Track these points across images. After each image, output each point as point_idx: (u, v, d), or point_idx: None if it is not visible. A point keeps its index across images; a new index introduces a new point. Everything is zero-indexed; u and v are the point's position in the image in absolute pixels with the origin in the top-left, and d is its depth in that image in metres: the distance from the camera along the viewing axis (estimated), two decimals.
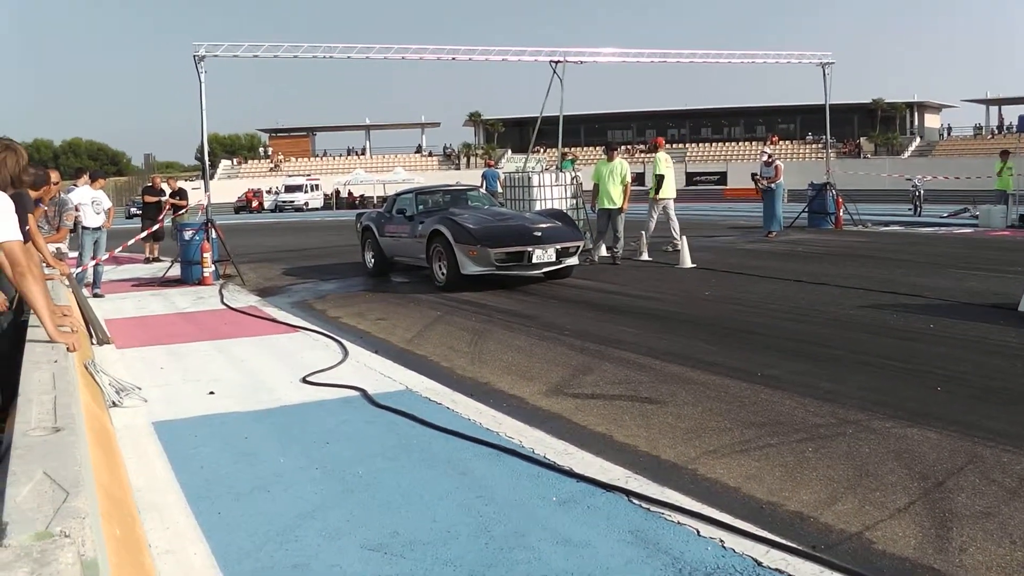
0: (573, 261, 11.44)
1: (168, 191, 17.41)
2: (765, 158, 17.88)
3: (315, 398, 5.82)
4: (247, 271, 13.44)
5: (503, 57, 16.94)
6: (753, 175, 18.09)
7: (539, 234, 10.92)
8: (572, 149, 47.27)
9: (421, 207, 12.44)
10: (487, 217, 11.48)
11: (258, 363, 7.06)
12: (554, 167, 17.48)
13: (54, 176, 8.01)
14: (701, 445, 4.62)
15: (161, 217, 16.68)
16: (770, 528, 3.47)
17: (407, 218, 12.22)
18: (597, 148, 53.60)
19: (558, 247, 10.93)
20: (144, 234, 15.75)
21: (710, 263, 12.71)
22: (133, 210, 37.42)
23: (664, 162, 14.69)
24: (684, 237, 13.27)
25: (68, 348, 3.85)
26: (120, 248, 13.69)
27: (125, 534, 2.63)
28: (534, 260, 10.75)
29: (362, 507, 3.83)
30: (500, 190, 17.50)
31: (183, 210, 17.19)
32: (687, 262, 12.52)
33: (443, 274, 10.96)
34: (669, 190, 14.71)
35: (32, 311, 4.09)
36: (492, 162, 25.74)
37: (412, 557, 3.29)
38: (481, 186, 17.57)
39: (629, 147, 59.61)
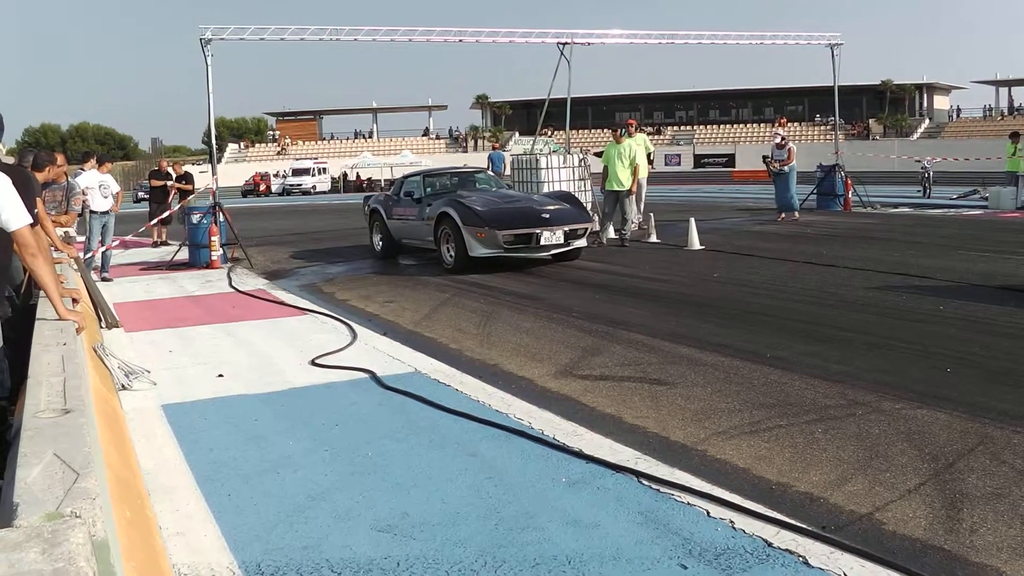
0: (581, 243, 11.42)
1: (174, 175, 17.38)
2: (778, 140, 17.31)
3: (324, 380, 5.82)
4: (255, 254, 13.44)
5: (510, 39, 16.85)
6: (765, 157, 17.76)
7: (547, 216, 10.89)
8: (578, 131, 46.98)
9: (429, 189, 12.41)
10: (495, 199, 11.45)
11: (267, 346, 7.08)
12: (561, 148, 17.40)
13: (60, 159, 8.01)
14: (710, 426, 4.61)
15: (170, 202, 16.67)
16: (780, 509, 3.47)
17: (415, 201, 12.20)
18: (604, 131, 53.16)
19: (566, 229, 10.90)
20: (154, 221, 15.79)
21: (718, 245, 12.66)
22: (140, 194, 37.44)
23: (649, 142, 15.01)
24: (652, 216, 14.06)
25: (77, 328, 3.86)
26: (131, 236, 13.68)
27: (135, 516, 2.64)
28: (542, 242, 10.72)
29: (371, 489, 3.84)
30: (507, 172, 17.45)
31: (190, 195, 17.17)
32: (695, 244, 12.48)
33: (451, 256, 10.95)
34: (644, 171, 14.77)
35: (42, 291, 4.12)
36: (498, 144, 25.68)
37: (422, 538, 3.30)
38: (487, 168, 17.51)
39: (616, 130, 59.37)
